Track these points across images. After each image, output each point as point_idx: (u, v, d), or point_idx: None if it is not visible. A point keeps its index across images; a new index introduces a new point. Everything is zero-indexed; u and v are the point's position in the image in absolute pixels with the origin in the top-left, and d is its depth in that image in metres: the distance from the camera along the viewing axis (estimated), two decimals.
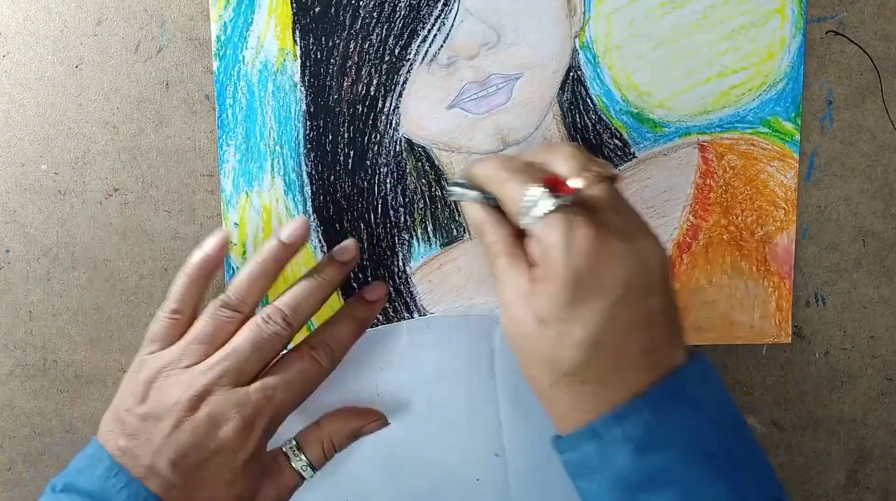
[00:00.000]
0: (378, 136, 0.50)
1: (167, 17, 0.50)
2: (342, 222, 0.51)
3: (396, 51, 0.49)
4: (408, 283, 0.51)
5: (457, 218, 0.51)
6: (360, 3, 0.49)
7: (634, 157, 0.51)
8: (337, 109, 0.50)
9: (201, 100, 0.50)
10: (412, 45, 0.49)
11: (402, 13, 0.49)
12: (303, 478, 0.48)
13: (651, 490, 0.38)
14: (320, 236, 0.51)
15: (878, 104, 0.51)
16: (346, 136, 0.50)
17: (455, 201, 0.50)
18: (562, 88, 0.50)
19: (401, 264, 0.51)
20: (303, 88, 0.49)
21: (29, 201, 0.51)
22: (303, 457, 0.48)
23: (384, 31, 0.49)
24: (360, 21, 0.49)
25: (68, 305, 0.51)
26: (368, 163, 0.50)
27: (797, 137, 0.51)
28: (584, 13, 0.49)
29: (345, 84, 0.50)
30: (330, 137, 0.50)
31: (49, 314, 0.52)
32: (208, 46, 0.50)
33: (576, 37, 0.50)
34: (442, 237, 0.51)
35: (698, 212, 0.51)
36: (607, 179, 0.42)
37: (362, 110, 0.50)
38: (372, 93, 0.50)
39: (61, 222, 0.51)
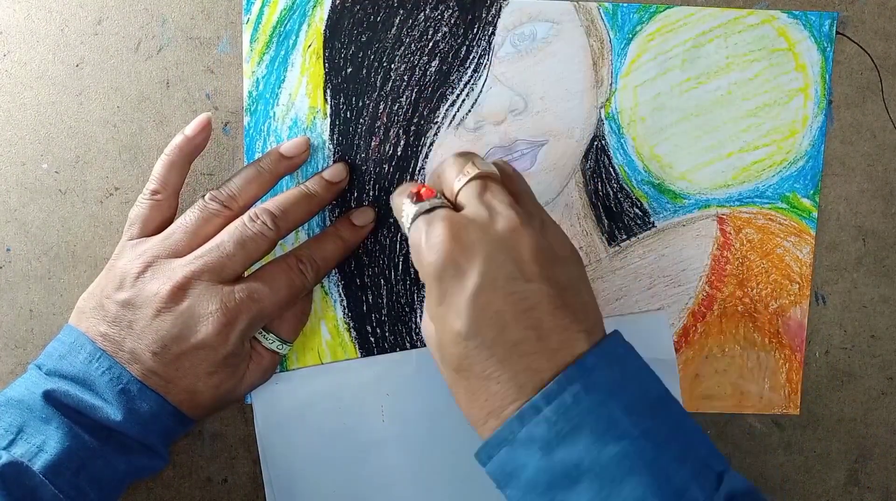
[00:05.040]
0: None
1: (168, 17, 0.50)
2: (363, 277, 0.51)
3: (425, 113, 0.50)
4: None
5: None
6: (392, 66, 0.50)
7: (654, 226, 0.51)
8: (364, 168, 0.50)
9: (202, 99, 0.51)
10: (441, 109, 0.50)
11: (432, 78, 0.50)
12: (280, 354, 0.49)
13: (565, 487, 0.37)
14: (340, 291, 0.51)
15: (879, 104, 0.51)
16: (371, 194, 0.51)
17: None
18: (585, 156, 0.51)
19: (419, 320, 0.52)
20: (331, 146, 0.50)
21: (29, 200, 0.51)
22: (271, 337, 0.49)
23: (414, 95, 0.50)
24: (390, 83, 0.50)
25: (69, 303, 0.51)
26: (392, 221, 0.51)
27: (815, 213, 0.51)
28: (610, 84, 0.50)
29: (372, 144, 0.50)
30: (355, 194, 0.51)
31: (50, 313, 0.52)
32: (209, 46, 0.50)
33: (602, 107, 0.50)
34: None
35: (714, 283, 0.52)
36: (481, 177, 0.41)
37: (388, 170, 0.50)
38: (399, 153, 0.50)
39: (62, 220, 0.51)
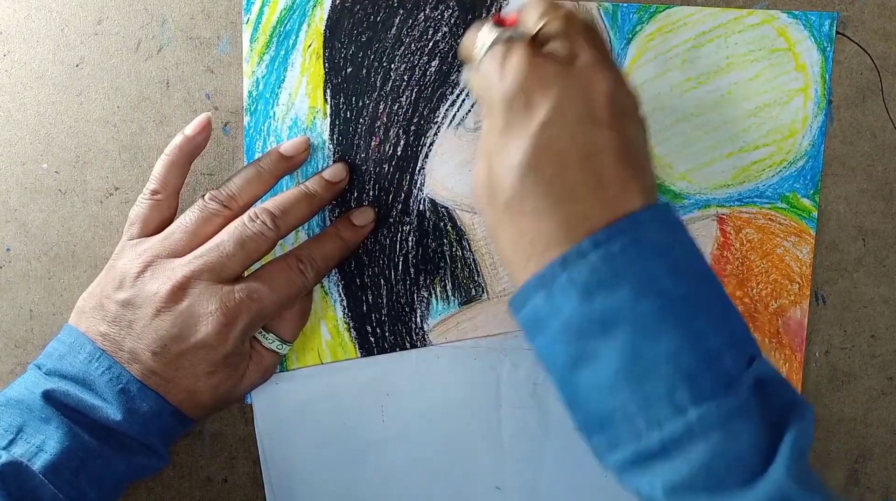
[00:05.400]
0: (402, 195, 0.51)
1: (168, 17, 0.50)
2: (363, 277, 0.51)
3: (425, 113, 0.50)
4: (425, 340, 0.52)
5: (476, 278, 0.52)
6: (392, 66, 0.50)
7: None
8: (364, 168, 0.50)
9: (202, 99, 0.51)
10: (441, 109, 0.50)
11: (432, 78, 0.50)
12: (279, 354, 0.49)
13: (599, 335, 0.36)
14: (340, 291, 0.51)
15: (879, 104, 0.51)
16: (371, 194, 0.51)
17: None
18: None
19: (419, 320, 0.52)
20: (331, 146, 0.50)
21: (29, 200, 0.51)
22: (271, 336, 0.49)
23: (414, 95, 0.50)
24: (390, 83, 0.50)
25: (69, 303, 0.51)
26: (392, 221, 0.51)
27: (815, 213, 0.51)
28: None
29: (372, 143, 0.50)
30: (355, 194, 0.51)
31: (50, 313, 0.52)
32: (209, 46, 0.50)
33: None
34: (460, 296, 0.52)
35: None
36: (568, 15, 0.40)
37: (388, 169, 0.50)
38: (399, 153, 0.50)
39: (62, 220, 0.51)
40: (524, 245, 0.38)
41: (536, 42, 0.40)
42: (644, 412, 0.36)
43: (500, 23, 0.41)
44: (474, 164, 0.41)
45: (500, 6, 0.49)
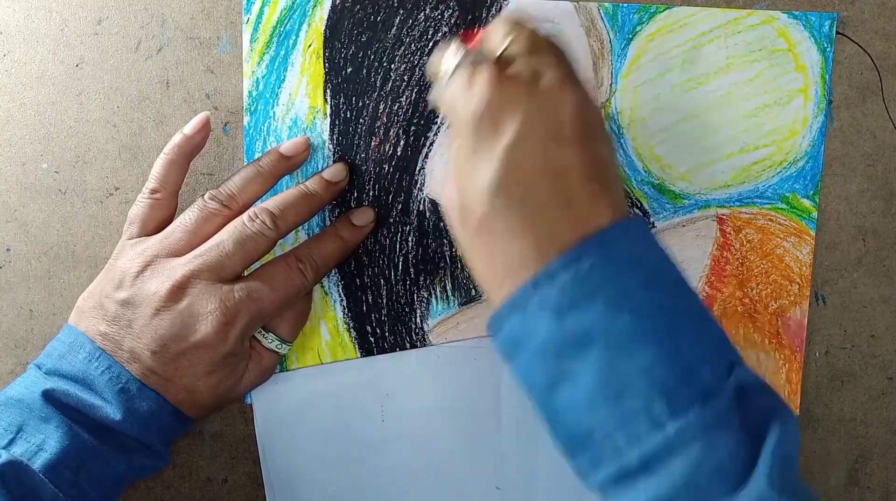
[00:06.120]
0: (402, 195, 0.51)
1: (168, 16, 0.50)
2: (363, 277, 0.51)
3: (425, 114, 0.50)
4: (425, 340, 0.52)
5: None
6: (392, 66, 0.50)
7: (654, 227, 0.51)
8: (364, 168, 0.50)
9: (202, 99, 0.51)
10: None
11: None
12: (279, 353, 0.49)
13: (575, 354, 0.36)
14: (340, 291, 0.51)
15: (879, 104, 0.51)
16: (371, 194, 0.51)
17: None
18: None
19: (418, 320, 0.52)
20: (331, 146, 0.50)
21: (29, 200, 0.51)
22: (271, 336, 0.49)
23: (414, 95, 0.50)
24: (390, 83, 0.50)
25: (69, 304, 0.51)
26: (392, 221, 0.51)
27: (814, 214, 0.51)
28: (611, 85, 0.50)
29: (372, 144, 0.50)
30: (355, 194, 0.51)
31: (50, 313, 0.52)
32: (209, 46, 0.50)
33: (602, 107, 0.50)
34: (460, 297, 0.52)
35: (714, 283, 0.52)
36: (532, 34, 0.40)
37: (388, 170, 0.50)
38: (399, 153, 0.50)
39: (62, 220, 0.52)
40: (498, 267, 0.38)
41: (501, 62, 0.40)
42: (623, 429, 0.36)
43: (467, 39, 0.41)
44: (444, 186, 0.41)
45: (500, 6, 0.49)
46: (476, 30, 0.42)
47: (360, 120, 0.50)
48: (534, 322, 0.37)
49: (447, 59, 0.41)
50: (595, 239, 0.37)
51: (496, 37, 0.41)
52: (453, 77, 0.40)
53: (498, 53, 0.40)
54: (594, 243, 0.37)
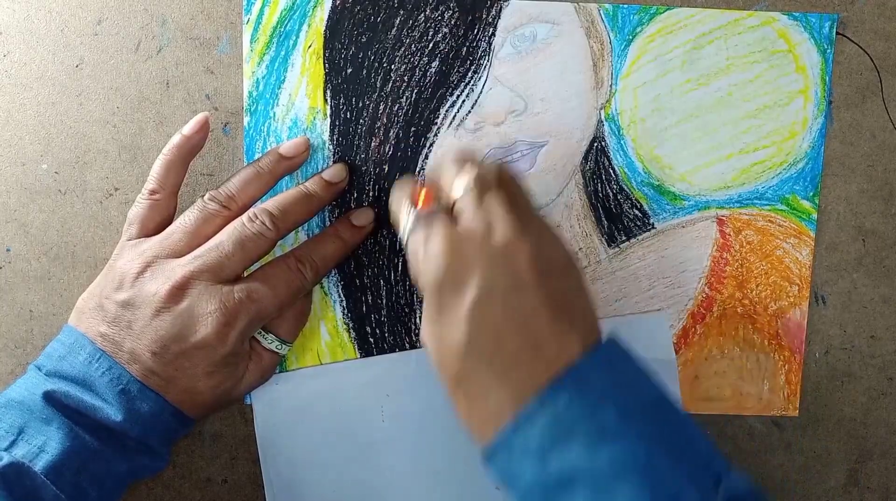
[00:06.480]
0: None
1: (168, 17, 0.50)
2: (363, 277, 0.51)
3: (425, 114, 0.50)
4: None
5: None
6: (392, 66, 0.50)
7: (654, 228, 0.51)
8: (364, 168, 0.50)
9: (202, 99, 0.51)
10: (441, 110, 0.50)
11: (433, 78, 0.50)
12: (279, 354, 0.50)
13: (561, 496, 0.36)
14: (340, 292, 0.51)
15: (879, 104, 0.51)
16: (371, 194, 0.51)
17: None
18: (585, 158, 0.51)
19: (418, 321, 0.52)
20: (331, 146, 0.50)
21: (29, 201, 0.51)
22: (271, 337, 0.49)
23: (414, 95, 0.50)
24: (390, 84, 0.50)
25: (69, 304, 0.51)
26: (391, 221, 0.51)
27: (814, 215, 0.51)
28: (611, 86, 0.50)
29: (372, 144, 0.50)
30: (355, 194, 0.51)
31: (49, 314, 0.52)
32: (209, 46, 0.50)
33: (601, 108, 0.50)
34: None
35: (713, 284, 0.52)
36: (480, 181, 0.41)
37: (388, 170, 0.50)
38: (399, 154, 0.50)
39: (62, 221, 0.51)
40: (478, 414, 0.39)
41: (454, 212, 0.41)
42: None
43: (416, 203, 0.42)
44: (422, 333, 0.42)
45: (501, 7, 0.49)
46: (421, 187, 0.43)
47: (360, 121, 0.50)
48: (518, 466, 0.37)
49: (403, 219, 0.43)
50: (566, 377, 0.37)
51: (445, 184, 0.42)
52: (410, 238, 0.42)
53: (448, 208, 0.42)
54: (567, 380, 0.37)
